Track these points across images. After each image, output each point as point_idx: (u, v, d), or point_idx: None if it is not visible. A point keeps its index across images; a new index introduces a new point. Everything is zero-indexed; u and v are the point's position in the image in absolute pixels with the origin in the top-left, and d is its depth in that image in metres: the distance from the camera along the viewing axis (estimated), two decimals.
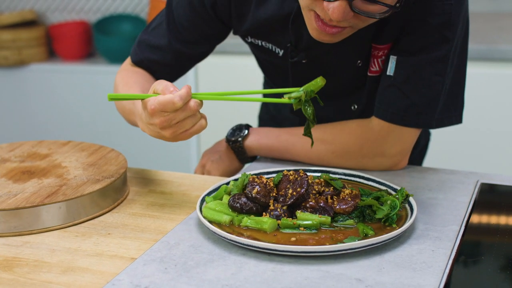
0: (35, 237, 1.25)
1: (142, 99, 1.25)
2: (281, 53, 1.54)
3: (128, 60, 1.65)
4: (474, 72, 2.77)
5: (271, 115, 1.88)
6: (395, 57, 1.43)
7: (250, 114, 2.28)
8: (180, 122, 1.24)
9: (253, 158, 1.64)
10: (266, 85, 1.90)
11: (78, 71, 3.63)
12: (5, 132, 3.74)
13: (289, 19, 1.45)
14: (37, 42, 3.70)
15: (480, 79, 2.80)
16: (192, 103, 1.22)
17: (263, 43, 1.56)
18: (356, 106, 1.60)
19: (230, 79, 3.20)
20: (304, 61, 1.52)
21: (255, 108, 2.08)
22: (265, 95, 1.77)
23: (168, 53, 1.58)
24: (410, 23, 1.40)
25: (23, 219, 1.25)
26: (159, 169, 1.60)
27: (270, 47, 1.55)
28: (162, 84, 1.24)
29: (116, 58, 3.60)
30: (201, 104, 1.24)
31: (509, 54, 2.79)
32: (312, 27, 1.31)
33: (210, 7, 1.52)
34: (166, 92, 1.22)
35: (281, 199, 1.25)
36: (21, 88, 3.69)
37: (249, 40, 1.58)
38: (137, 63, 1.62)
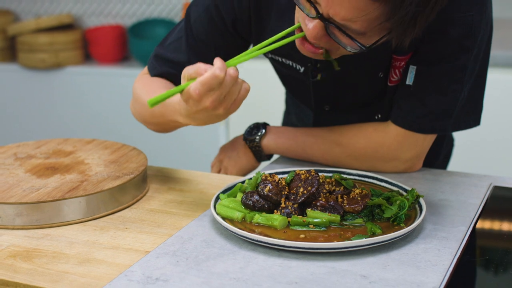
0: (56, 230, 1.30)
1: (181, 91, 1.19)
2: (302, 70, 1.55)
3: (145, 71, 1.63)
4: (502, 79, 2.78)
5: (293, 124, 1.90)
6: (414, 67, 1.44)
7: (275, 119, 2.31)
8: (228, 94, 1.18)
9: (270, 157, 1.67)
10: (288, 93, 1.91)
11: (113, 74, 3.70)
12: (39, 132, 3.83)
13: None
14: (73, 46, 3.78)
15: (508, 86, 2.81)
16: (231, 70, 1.17)
17: (283, 59, 1.56)
18: (380, 116, 1.61)
19: (255, 84, 3.24)
20: (326, 79, 1.53)
21: (279, 116, 2.11)
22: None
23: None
24: (431, 34, 1.40)
25: (44, 213, 1.30)
26: (180, 168, 1.65)
27: (291, 64, 1.56)
28: (192, 68, 1.19)
29: None
30: (237, 69, 1.20)
31: None
32: (298, 42, 1.30)
33: (231, 24, 1.52)
34: (201, 72, 1.16)
35: (292, 197, 1.28)
36: (57, 90, 3.77)
37: (270, 56, 1.59)
38: (156, 76, 1.59)
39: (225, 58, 1.48)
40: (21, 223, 1.30)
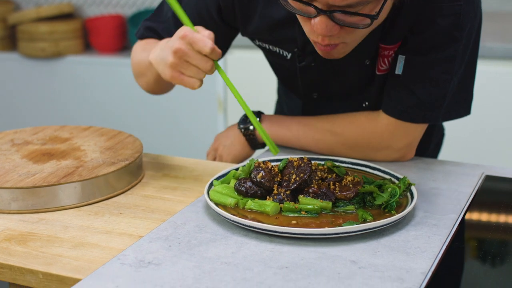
0: (51, 214, 1.32)
1: (185, 24, 1.30)
2: (288, 56, 1.57)
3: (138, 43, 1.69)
4: (496, 71, 2.80)
5: (284, 114, 1.91)
6: (403, 56, 1.46)
7: (267, 107, 2.33)
8: (187, 63, 1.28)
9: (264, 145, 1.68)
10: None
11: (113, 63, 3.71)
12: (39, 120, 3.84)
13: (295, 23, 1.45)
14: (73, 35, 3.79)
15: (504, 78, 2.82)
16: (210, 62, 1.27)
17: (270, 46, 1.58)
18: (367, 103, 1.63)
19: (242, 72, 3.25)
20: (312, 64, 1.55)
21: (272, 105, 2.12)
22: None
23: None
24: (419, 23, 1.42)
25: (40, 197, 1.32)
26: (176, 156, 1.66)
27: (278, 51, 1.58)
28: (202, 27, 1.30)
29: None
30: (213, 71, 1.29)
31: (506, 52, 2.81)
32: (318, 49, 1.34)
33: (216, 12, 1.54)
34: (203, 32, 1.27)
35: (284, 184, 1.30)
36: (57, 79, 3.79)
37: (257, 42, 1.61)
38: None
39: (217, 44, 1.50)
40: (17, 208, 1.32)
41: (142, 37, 1.66)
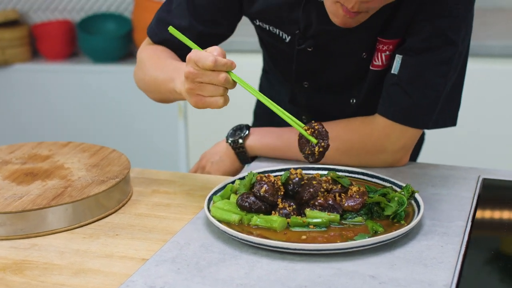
0: (42, 239, 1.25)
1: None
2: (288, 39, 1.55)
3: (148, 41, 1.64)
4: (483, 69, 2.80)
5: (268, 109, 1.88)
6: (400, 56, 1.45)
7: (244, 110, 2.28)
8: (202, 84, 1.25)
9: (253, 159, 1.64)
10: (264, 73, 1.90)
11: (62, 70, 3.61)
12: None
13: (300, 5, 1.47)
14: (20, 42, 3.67)
15: (467, 75, 2.82)
16: (223, 74, 1.23)
17: (271, 28, 1.56)
18: (354, 100, 1.62)
19: None
20: (310, 49, 1.53)
21: (251, 103, 2.08)
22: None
23: (190, 34, 1.56)
24: (417, 23, 1.42)
25: (29, 222, 1.25)
26: (146, 167, 1.61)
27: (278, 32, 1.56)
28: (213, 46, 1.28)
29: (100, 57, 3.58)
30: (231, 83, 1.25)
31: (495, 49, 2.82)
32: (339, 14, 1.33)
33: None
34: (211, 51, 1.25)
35: (309, 152, 1.27)
36: (5, 88, 3.66)
37: (257, 23, 1.59)
38: (158, 43, 1.61)
39: (224, 23, 1.57)
40: (5, 233, 1.24)
41: (152, 34, 1.62)
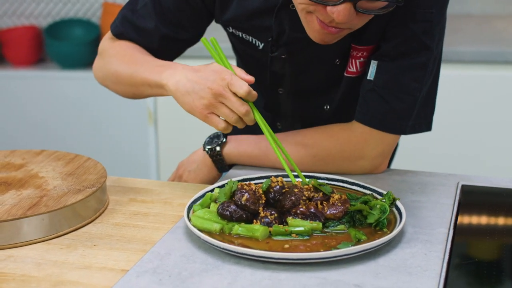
0: (18, 250, 1.21)
1: (222, 62, 1.38)
2: (261, 46, 1.54)
3: (110, 35, 1.62)
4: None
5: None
6: (376, 61, 1.44)
7: None
8: (222, 105, 1.33)
9: (230, 167, 1.62)
10: None
11: (30, 76, 3.56)
12: None
13: (273, 12, 1.45)
14: None
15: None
16: (246, 106, 1.32)
17: (244, 35, 1.55)
18: (328, 106, 1.61)
19: None
20: (283, 56, 1.52)
21: None
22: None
23: (154, 37, 1.55)
24: (392, 29, 1.42)
25: (4, 232, 1.21)
26: (116, 174, 1.58)
27: (251, 40, 1.55)
28: (237, 68, 1.36)
29: (68, 63, 3.54)
30: (251, 119, 1.34)
31: (466, 55, 2.84)
32: (314, 29, 1.31)
33: None
34: (240, 74, 1.34)
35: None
36: None
37: (230, 30, 1.57)
38: (122, 38, 1.60)
39: (191, 29, 1.57)
40: None
41: (117, 33, 1.60)
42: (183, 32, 1.58)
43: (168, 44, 1.58)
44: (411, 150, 2.36)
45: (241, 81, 1.31)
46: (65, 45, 3.53)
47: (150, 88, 1.46)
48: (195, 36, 1.61)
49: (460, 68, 2.85)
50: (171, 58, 1.62)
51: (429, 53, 1.43)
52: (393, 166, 1.89)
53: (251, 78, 1.33)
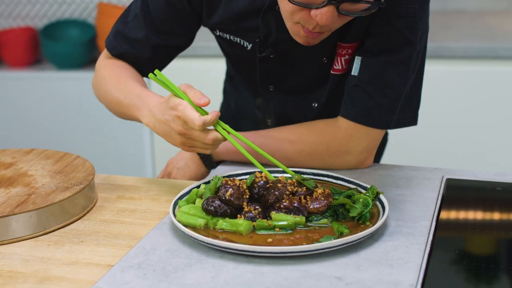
0: (6, 247, 1.23)
1: (175, 94, 1.34)
2: (249, 47, 1.55)
3: (106, 53, 1.64)
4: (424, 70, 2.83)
5: (232, 113, 1.88)
6: (360, 57, 1.46)
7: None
8: (193, 140, 1.34)
9: (218, 163, 1.63)
10: (228, 78, 1.90)
11: (26, 77, 3.58)
12: None
13: (260, 13, 1.47)
14: None
15: (429, 77, 2.85)
16: (211, 135, 1.31)
17: (231, 37, 1.56)
18: (316, 104, 1.63)
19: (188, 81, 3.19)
20: (272, 56, 1.54)
21: (215, 105, 2.07)
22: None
23: (146, 46, 1.57)
24: (375, 25, 1.43)
25: None
26: (112, 173, 1.60)
27: (239, 41, 1.56)
28: (192, 90, 1.33)
29: (64, 64, 3.55)
30: (220, 140, 1.33)
31: (457, 51, 2.85)
32: (301, 35, 1.33)
33: (186, 0, 1.52)
34: (194, 100, 1.31)
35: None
36: None
37: (218, 33, 1.58)
38: (117, 56, 1.62)
39: (182, 35, 1.59)
40: None
41: (110, 47, 1.62)
42: (174, 39, 1.60)
43: (161, 52, 1.60)
44: (399, 144, 2.37)
45: (192, 115, 1.29)
46: (61, 46, 3.55)
47: (137, 120, 1.50)
48: (187, 41, 1.63)
49: (451, 64, 2.87)
50: (163, 65, 1.66)
51: (412, 48, 1.44)
52: (381, 161, 1.91)
53: (206, 100, 1.31)
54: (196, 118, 1.29)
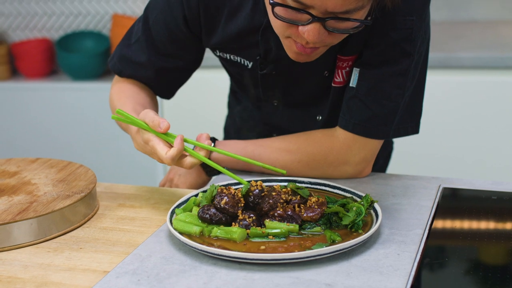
0: (7, 254, 1.26)
1: (139, 125, 1.38)
2: (250, 65, 1.57)
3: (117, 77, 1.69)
4: (433, 80, 2.84)
5: (237, 128, 1.91)
6: (358, 69, 1.47)
7: (216, 125, 2.31)
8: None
9: (219, 171, 1.66)
10: (232, 93, 1.93)
11: (42, 88, 3.63)
12: None
13: (259, 32, 1.49)
14: None
15: (439, 87, 2.86)
16: (188, 164, 1.37)
17: (232, 56, 1.58)
18: (320, 117, 1.64)
19: (193, 92, 3.22)
20: (273, 73, 1.56)
21: (221, 118, 2.10)
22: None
23: (150, 70, 1.60)
24: (373, 37, 1.44)
25: None
26: (126, 183, 1.62)
27: (239, 60, 1.58)
28: (148, 116, 1.36)
29: (79, 75, 3.60)
30: (197, 163, 1.38)
31: (466, 61, 2.85)
32: (292, 51, 1.35)
33: (183, 24, 1.54)
34: (155, 129, 1.35)
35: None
36: None
37: (218, 54, 1.61)
38: (126, 77, 1.66)
39: (186, 56, 1.61)
40: None
41: (116, 71, 1.66)
42: (178, 61, 1.62)
43: (166, 75, 1.64)
44: (403, 154, 2.38)
45: (161, 154, 1.34)
46: (76, 57, 3.60)
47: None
48: (192, 62, 1.65)
49: (461, 74, 2.87)
50: (174, 86, 1.70)
51: (410, 60, 1.45)
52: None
53: (165, 125, 1.34)
54: (163, 157, 1.34)
